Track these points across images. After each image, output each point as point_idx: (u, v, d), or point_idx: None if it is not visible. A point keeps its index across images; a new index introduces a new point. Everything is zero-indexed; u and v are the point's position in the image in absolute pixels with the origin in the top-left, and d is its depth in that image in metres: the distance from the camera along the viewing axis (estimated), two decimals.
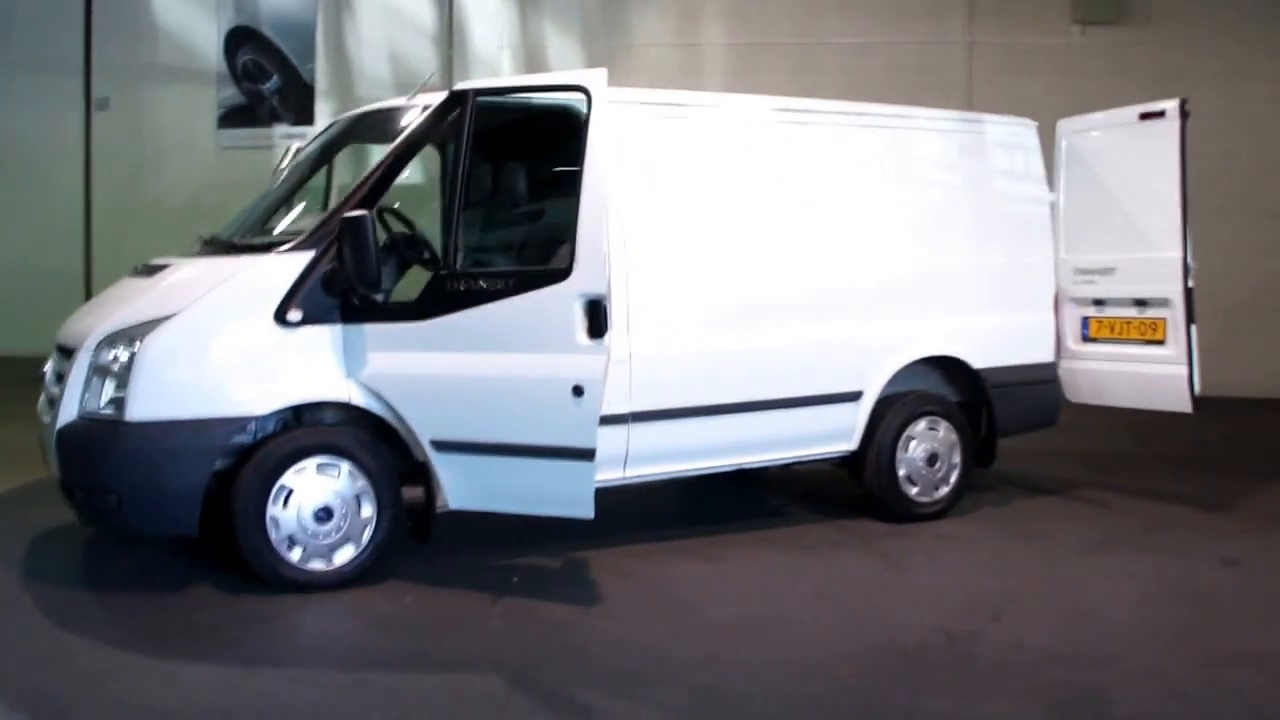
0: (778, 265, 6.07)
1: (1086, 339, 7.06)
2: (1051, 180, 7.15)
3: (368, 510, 5.10)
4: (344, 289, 4.97)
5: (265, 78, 14.24)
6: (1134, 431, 9.23)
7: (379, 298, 5.02)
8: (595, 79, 4.80)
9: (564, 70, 13.53)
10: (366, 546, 5.10)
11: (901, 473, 6.46)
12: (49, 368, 5.51)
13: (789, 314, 6.09)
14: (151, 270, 5.39)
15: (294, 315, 4.95)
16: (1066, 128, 7.22)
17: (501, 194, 5.47)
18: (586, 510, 4.88)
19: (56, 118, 13.90)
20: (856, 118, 6.45)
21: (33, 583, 5.21)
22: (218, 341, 4.92)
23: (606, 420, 5.49)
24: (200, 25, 14.21)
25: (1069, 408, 7.30)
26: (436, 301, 4.98)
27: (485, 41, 13.76)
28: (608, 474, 5.63)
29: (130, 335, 4.87)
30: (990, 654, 4.44)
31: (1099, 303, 6.99)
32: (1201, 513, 6.85)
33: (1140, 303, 6.72)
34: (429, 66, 13.81)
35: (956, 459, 6.63)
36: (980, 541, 6.19)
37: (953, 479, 6.63)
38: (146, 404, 4.79)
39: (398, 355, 5.02)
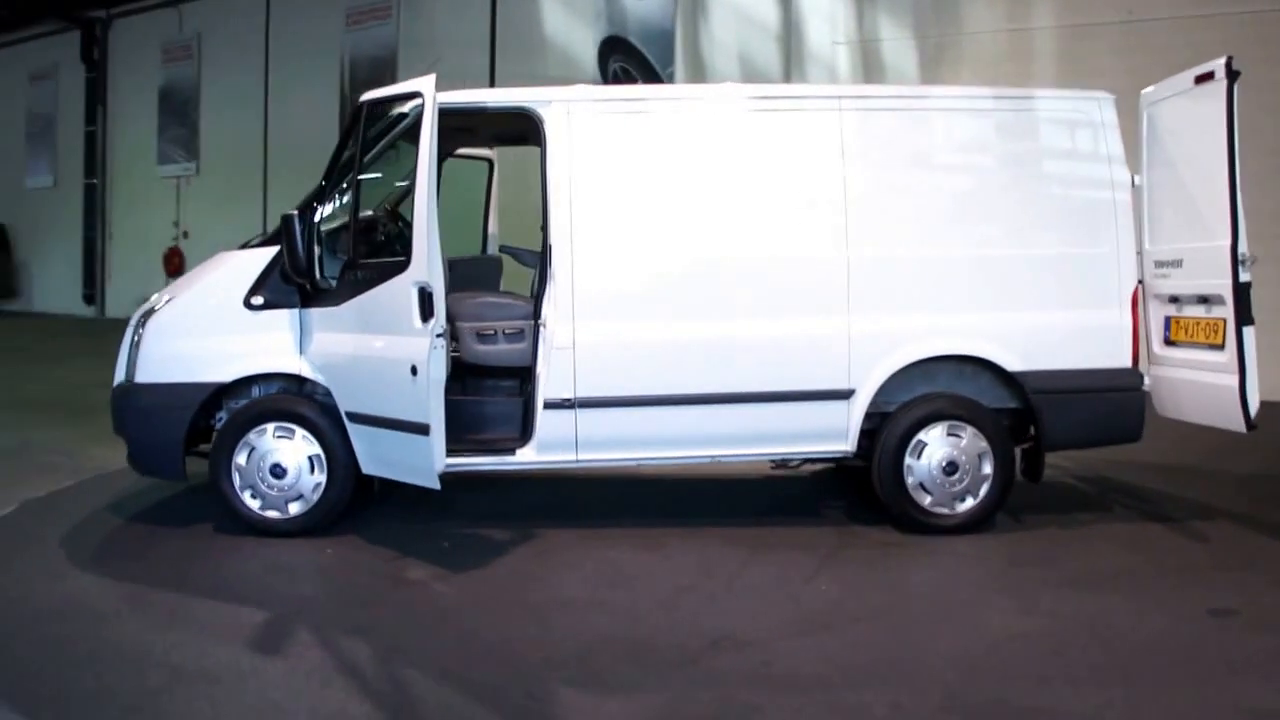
0: (740, 258, 5.91)
1: (1167, 342, 5.94)
2: (1136, 160, 6.08)
3: (319, 472, 5.88)
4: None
5: (632, 82, 15.47)
6: None
7: (332, 285, 5.78)
8: (426, 84, 5.20)
9: (894, 65, 13.40)
10: (316, 504, 5.88)
11: (910, 480, 5.98)
12: None
13: (752, 306, 5.88)
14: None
15: (257, 300, 5.89)
16: (1148, 98, 6.04)
17: (389, 190, 5.99)
18: (432, 480, 5.29)
19: None
20: (855, 100, 6.03)
21: (101, 513, 6.50)
22: (196, 321, 5.98)
23: (553, 405, 5.88)
24: (580, 36, 15.82)
25: None
26: (345, 289, 5.67)
27: (821, 38, 13.88)
28: (561, 456, 5.96)
29: (148, 313, 6.07)
30: (718, 663, 4.24)
31: (1174, 300, 5.86)
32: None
33: (1204, 300, 5.56)
34: (772, 65, 14.22)
35: (987, 470, 5.97)
36: (959, 560, 5.61)
37: (982, 492, 5.97)
38: (146, 370, 5.95)
39: (325, 335, 5.78)
